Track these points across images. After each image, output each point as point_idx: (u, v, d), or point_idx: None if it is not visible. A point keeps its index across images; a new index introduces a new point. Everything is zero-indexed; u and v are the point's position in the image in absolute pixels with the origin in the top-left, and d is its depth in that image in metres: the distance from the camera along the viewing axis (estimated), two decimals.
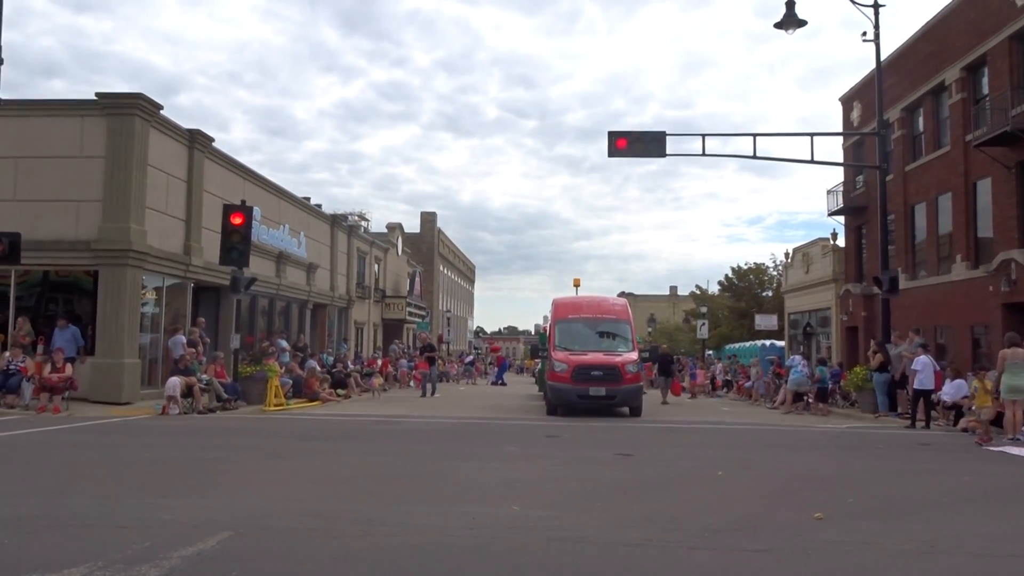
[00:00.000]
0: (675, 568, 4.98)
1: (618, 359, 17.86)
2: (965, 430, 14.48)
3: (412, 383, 30.38)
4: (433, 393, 24.52)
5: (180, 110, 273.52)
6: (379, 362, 31.37)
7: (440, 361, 43.71)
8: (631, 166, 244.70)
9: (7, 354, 16.00)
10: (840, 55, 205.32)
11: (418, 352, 31.94)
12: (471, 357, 50.07)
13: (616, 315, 19.95)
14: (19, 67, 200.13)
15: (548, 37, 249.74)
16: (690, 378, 32.04)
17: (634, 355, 18.59)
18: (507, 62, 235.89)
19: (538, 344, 25.18)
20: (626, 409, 17.86)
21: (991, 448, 12.19)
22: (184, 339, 17.78)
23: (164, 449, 10.42)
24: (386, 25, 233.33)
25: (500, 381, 39.06)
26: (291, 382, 20.12)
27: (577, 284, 27.97)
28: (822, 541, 5.69)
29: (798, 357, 23.32)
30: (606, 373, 17.33)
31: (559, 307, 20.26)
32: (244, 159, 25.00)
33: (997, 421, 13.80)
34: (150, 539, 5.26)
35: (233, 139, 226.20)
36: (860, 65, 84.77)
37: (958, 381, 16.05)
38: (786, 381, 21.96)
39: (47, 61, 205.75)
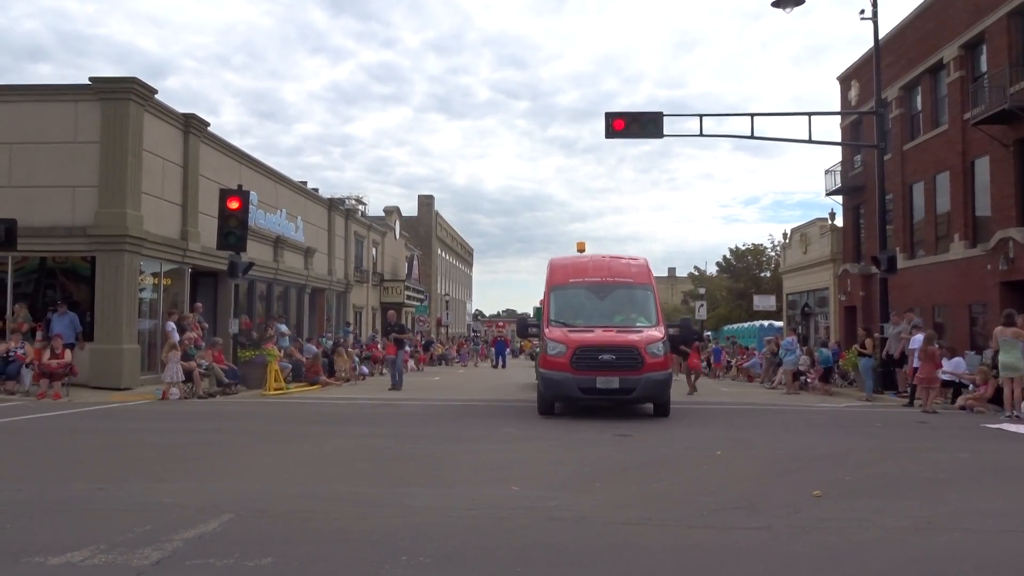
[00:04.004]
0: (674, 546, 5.01)
1: (636, 338, 13.15)
2: (963, 408, 14.56)
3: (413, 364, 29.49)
4: (399, 385, 19.81)
5: (170, 93, 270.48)
6: (379, 345, 31.33)
7: (438, 345, 43.83)
8: (625, 147, 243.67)
9: (10, 342, 16.02)
10: (834, 32, 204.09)
11: (383, 335, 26.01)
12: (476, 343, 49.94)
13: (633, 278, 14.80)
14: (4, 51, 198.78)
15: (538, 16, 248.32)
16: (714, 359, 31.13)
17: (658, 332, 13.52)
18: (498, 42, 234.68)
19: (529, 319, 17.96)
20: (649, 406, 13.63)
21: (989, 425, 12.26)
22: (173, 325, 17.69)
23: (164, 434, 10.44)
24: (374, 5, 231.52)
25: (500, 363, 38.96)
26: (291, 366, 20.16)
27: (582, 248, 21.39)
28: (820, 519, 5.72)
29: (792, 339, 23.35)
30: (620, 357, 12.70)
31: (556, 269, 15.23)
32: (236, 143, 24.72)
33: (997, 399, 13.88)
34: (151, 522, 5.28)
35: (224, 123, 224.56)
36: (855, 42, 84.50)
37: (956, 359, 16.11)
38: (780, 362, 22.08)
39: (33, 45, 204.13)
